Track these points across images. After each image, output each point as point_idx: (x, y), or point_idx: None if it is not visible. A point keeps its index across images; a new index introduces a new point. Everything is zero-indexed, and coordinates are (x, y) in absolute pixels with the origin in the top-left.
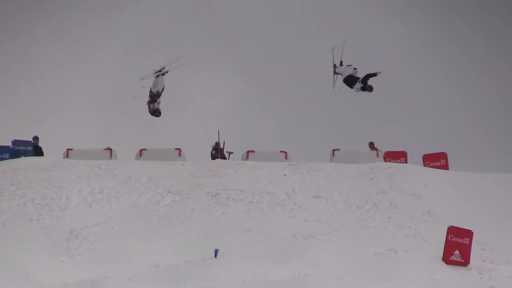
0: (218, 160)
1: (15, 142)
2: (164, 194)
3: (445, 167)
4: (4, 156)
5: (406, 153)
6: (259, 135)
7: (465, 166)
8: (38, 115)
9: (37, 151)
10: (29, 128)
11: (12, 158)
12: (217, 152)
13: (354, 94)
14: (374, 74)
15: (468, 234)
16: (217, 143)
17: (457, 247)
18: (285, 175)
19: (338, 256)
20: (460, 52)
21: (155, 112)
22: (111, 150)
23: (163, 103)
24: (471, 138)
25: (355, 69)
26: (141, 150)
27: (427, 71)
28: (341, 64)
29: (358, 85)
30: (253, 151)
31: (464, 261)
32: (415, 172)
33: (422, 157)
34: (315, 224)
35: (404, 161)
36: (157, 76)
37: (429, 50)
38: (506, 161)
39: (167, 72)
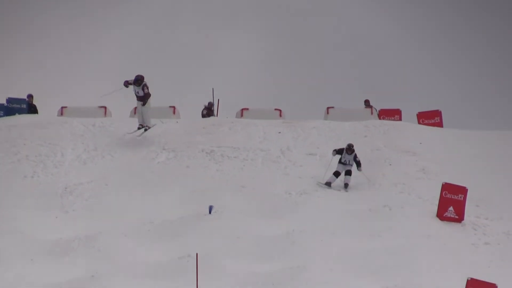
0: (213, 118)
1: (9, 100)
2: (158, 151)
3: (439, 124)
4: None
5: (401, 110)
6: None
7: (459, 124)
8: (33, 73)
9: (32, 109)
10: (24, 86)
11: (6, 116)
12: (209, 112)
13: (348, 56)
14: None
15: (463, 190)
16: (210, 103)
17: (451, 203)
18: (279, 132)
19: (333, 213)
20: (454, 6)
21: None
22: (105, 108)
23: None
24: (466, 95)
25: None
26: (135, 108)
27: (421, 27)
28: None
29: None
30: (247, 109)
31: (458, 218)
32: (409, 129)
33: (417, 114)
34: (309, 181)
35: (398, 119)
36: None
37: (423, 3)
38: (501, 119)
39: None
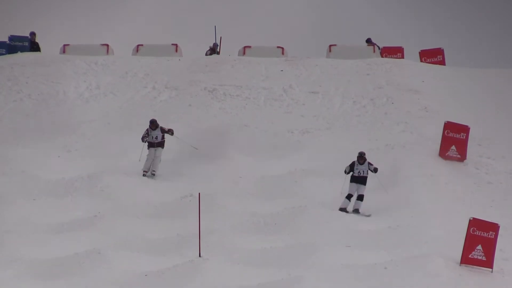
0: (215, 56)
1: (12, 38)
2: (161, 89)
3: (442, 62)
4: (0, 52)
5: (403, 48)
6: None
7: (461, 62)
8: (35, 10)
9: (34, 47)
10: (26, 23)
11: (8, 53)
12: (212, 53)
13: None
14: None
15: (465, 129)
16: (215, 44)
17: (454, 142)
18: (282, 70)
19: (335, 151)
20: None
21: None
22: (108, 45)
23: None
24: (468, 33)
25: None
26: (138, 45)
27: None
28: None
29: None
30: (249, 47)
31: (461, 157)
32: (412, 67)
33: (419, 52)
34: (312, 120)
35: (400, 57)
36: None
37: None
38: (504, 57)
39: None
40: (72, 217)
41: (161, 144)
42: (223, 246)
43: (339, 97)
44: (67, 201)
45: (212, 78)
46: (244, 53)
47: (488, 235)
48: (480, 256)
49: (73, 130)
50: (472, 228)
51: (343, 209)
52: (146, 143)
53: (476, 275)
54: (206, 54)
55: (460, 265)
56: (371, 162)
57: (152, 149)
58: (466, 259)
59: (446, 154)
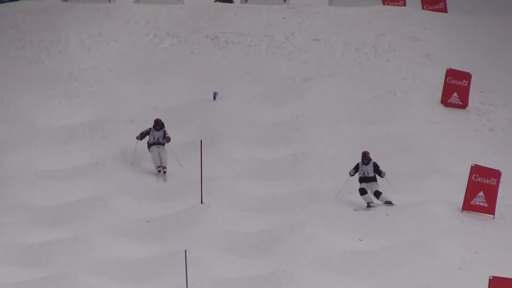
0: (217, 3)
1: None
2: (162, 37)
3: (444, 10)
4: None
5: None
6: None
7: (463, 9)
8: None
9: None
10: None
11: (10, 1)
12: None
13: None
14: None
15: (467, 76)
16: None
17: (456, 89)
18: (283, 18)
19: (337, 99)
20: None
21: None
22: None
23: None
24: None
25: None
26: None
27: None
28: None
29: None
30: None
31: (463, 104)
32: (413, 15)
33: (421, 0)
34: (313, 67)
35: (402, 4)
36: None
37: None
38: (506, 4)
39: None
40: (74, 164)
41: (162, 144)
42: (225, 193)
43: (341, 44)
44: (69, 148)
45: (214, 26)
46: (246, 0)
47: (490, 181)
48: (482, 202)
49: (75, 77)
50: (474, 175)
51: (369, 204)
52: (146, 144)
53: (477, 221)
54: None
55: (461, 212)
56: (378, 164)
57: (154, 146)
58: (467, 206)
59: (448, 101)
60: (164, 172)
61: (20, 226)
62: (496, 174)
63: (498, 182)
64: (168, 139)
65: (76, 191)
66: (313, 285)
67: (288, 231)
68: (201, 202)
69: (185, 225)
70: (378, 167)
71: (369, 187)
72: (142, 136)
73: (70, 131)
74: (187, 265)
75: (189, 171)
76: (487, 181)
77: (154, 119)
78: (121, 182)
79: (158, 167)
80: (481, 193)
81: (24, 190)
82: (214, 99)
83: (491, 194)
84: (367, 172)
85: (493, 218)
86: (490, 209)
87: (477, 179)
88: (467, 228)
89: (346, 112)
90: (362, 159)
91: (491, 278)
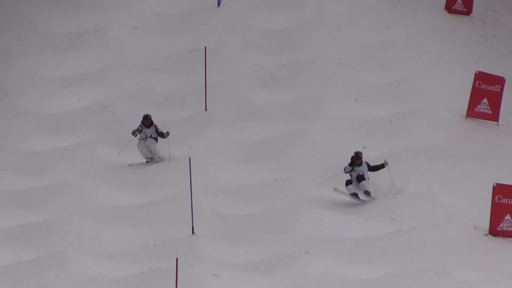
0: None
1: None
2: None
3: None
4: None
5: None
6: None
7: None
8: None
9: None
10: None
11: None
12: None
13: None
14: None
15: None
16: None
17: None
18: None
19: (341, 3)
20: None
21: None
22: None
23: None
24: None
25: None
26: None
27: None
28: None
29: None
30: None
31: (467, 10)
32: None
33: None
34: None
35: None
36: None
37: None
38: None
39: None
40: (78, 71)
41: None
42: (228, 100)
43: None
44: (74, 55)
45: None
46: None
47: (494, 88)
48: (486, 109)
49: None
50: (478, 82)
51: (354, 194)
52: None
53: (482, 128)
54: None
55: (466, 119)
56: (369, 163)
57: (142, 141)
58: (472, 113)
59: (452, 7)
60: (157, 161)
61: (25, 132)
62: (500, 80)
63: (502, 89)
64: (163, 134)
65: (80, 98)
66: (317, 192)
67: (292, 138)
68: (206, 110)
69: (189, 132)
70: (370, 164)
71: (358, 188)
72: (134, 134)
73: (75, 37)
74: (191, 172)
75: (193, 79)
76: (491, 88)
77: (143, 114)
78: (125, 89)
79: (147, 159)
80: (485, 100)
81: (28, 97)
82: (218, 5)
83: (495, 101)
84: (361, 172)
85: (497, 125)
86: (494, 116)
87: (481, 86)
88: (473, 134)
89: (351, 19)
90: (354, 160)
91: (495, 185)
